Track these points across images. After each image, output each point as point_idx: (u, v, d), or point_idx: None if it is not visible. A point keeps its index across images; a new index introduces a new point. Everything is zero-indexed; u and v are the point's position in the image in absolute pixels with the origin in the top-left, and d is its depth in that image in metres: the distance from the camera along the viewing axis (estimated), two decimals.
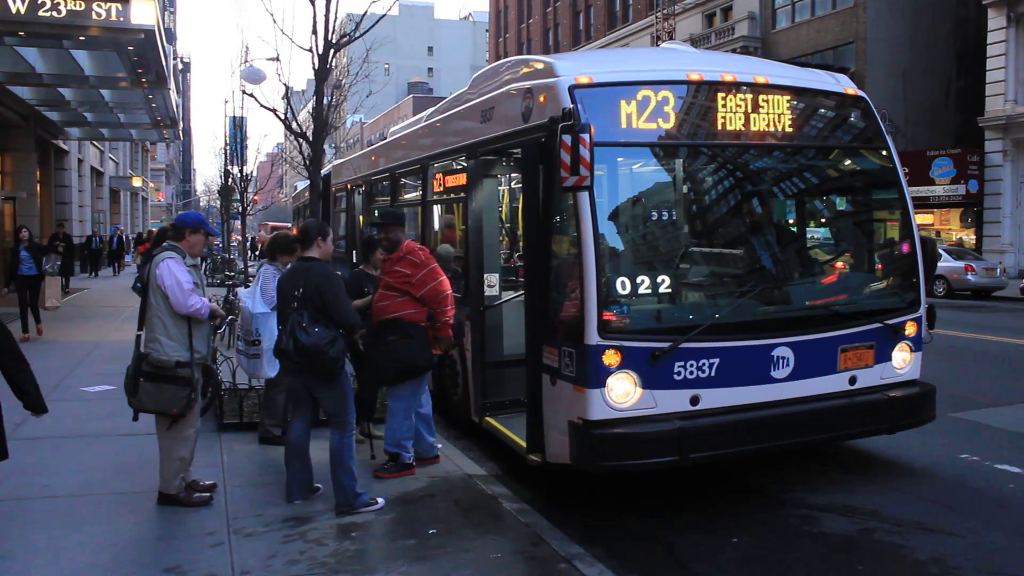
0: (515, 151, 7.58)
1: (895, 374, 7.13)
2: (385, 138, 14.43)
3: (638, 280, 6.31)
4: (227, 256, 35.12)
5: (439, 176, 9.48)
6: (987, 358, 13.76)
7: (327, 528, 5.76)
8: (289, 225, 32.90)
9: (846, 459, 7.76)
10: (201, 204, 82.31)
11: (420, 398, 7.26)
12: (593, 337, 5.95)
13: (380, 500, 6.26)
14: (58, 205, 30.81)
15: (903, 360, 7.15)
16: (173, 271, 5.98)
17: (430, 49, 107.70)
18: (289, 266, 6.96)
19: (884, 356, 7.05)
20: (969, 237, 32.28)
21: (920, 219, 8.43)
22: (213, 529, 5.70)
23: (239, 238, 34.69)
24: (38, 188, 27.73)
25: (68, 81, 21.60)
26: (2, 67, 19.99)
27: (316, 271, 6.08)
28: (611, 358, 5.99)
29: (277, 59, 12.40)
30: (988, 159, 30.80)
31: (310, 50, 9.82)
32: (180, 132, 40.71)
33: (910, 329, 7.16)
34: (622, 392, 6.05)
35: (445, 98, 11.14)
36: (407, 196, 11.47)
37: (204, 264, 31.42)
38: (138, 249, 34.30)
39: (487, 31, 75.22)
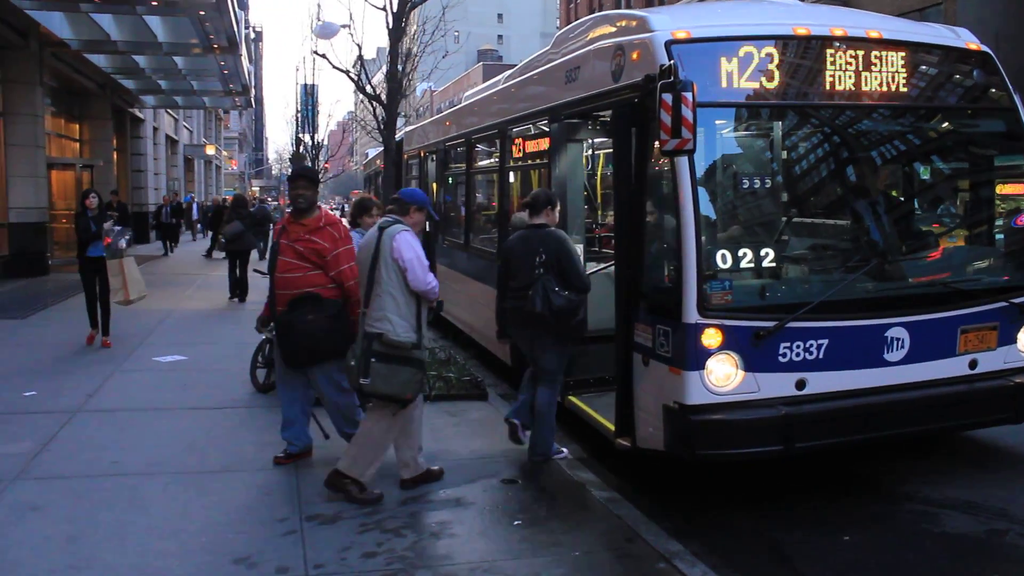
0: (603, 113, 7.09)
1: (1020, 358, 6.49)
2: (455, 106, 14.05)
3: (740, 253, 5.78)
4: None
5: (518, 141, 9.02)
6: None
7: (404, 517, 5.40)
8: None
9: (963, 449, 7.14)
10: (273, 172, 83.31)
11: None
12: (692, 315, 5.46)
13: (565, 450, 6.65)
14: (134, 173, 31.21)
15: None
16: (412, 245, 5.62)
17: (500, 16, 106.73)
18: (516, 233, 6.68)
19: (1008, 338, 6.41)
20: None
21: (1010, 189, 7.63)
22: (284, 515, 5.38)
23: None
24: (115, 156, 28.12)
25: (142, 48, 21.70)
26: (78, 35, 20.12)
27: (554, 237, 6.30)
28: (711, 338, 5.50)
29: (351, 24, 12.06)
30: None
31: (384, 8, 9.40)
32: (252, 100, 40.91)
33: None
34: (723, 375, 5.55)
35: (515, 66, 10.67)
36: (483, 162, 11.06)
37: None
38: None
39: None
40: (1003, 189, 7.03)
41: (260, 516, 5.41)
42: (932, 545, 5.32)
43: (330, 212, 6.48)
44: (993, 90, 6.71)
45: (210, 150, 50.16)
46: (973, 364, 6.29)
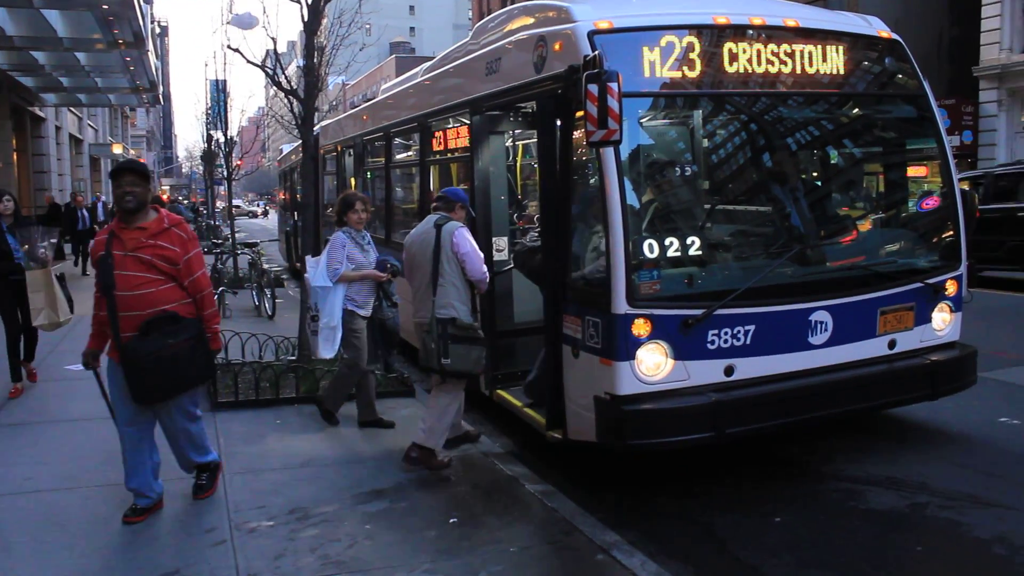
0: (526, 105, 7.05)
1: (935, 336, 6.71)
2: (370, 99, 13.82)
3: (667, 243, 5.81)
4: (212, 223, 34.40)
5: (439, 134, 8.93)
6: (999, 313, 13.31)
7: (336, 520, 5.29)
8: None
9: (880, 427, 7.32)
10: (184, 170, 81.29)
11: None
12: (621, 306, 5.47)
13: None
14: (36, 174, 30.01)
15: (943, 321, 6.74)
16: (469, 240, 6.32)
17: (411, 8, 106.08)
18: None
19: (924, 318, 6.62)
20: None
21: (922, 172, 7.95)
22: (213, 525, 5.21)
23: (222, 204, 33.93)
24: (15, 157, 26.96)
25: (41, 43, 20.83)
26: None
27: None
28: (641, 328, 5.52)
29: (264, 18, 11.84)
30: (983, 109, 30.23)
31: (298, 0, 9.12)
32: (160, 97, 39.74)
33: (950, 288, 6.73)
34: (653, 364, 5.59)
35: (428, 58, 10.56)
36: (402, 156, 10.93)
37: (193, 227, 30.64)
38: None
39: None
40: (915, 172, 7.24)
41: (187, 527, 5.24)
42: (860, 522, 5.44)
43: (171, 212, 5.59)
44: (903, 76, 6.88)
45: (117, 149, 48.50)
46: (892, 344, 6.46)
